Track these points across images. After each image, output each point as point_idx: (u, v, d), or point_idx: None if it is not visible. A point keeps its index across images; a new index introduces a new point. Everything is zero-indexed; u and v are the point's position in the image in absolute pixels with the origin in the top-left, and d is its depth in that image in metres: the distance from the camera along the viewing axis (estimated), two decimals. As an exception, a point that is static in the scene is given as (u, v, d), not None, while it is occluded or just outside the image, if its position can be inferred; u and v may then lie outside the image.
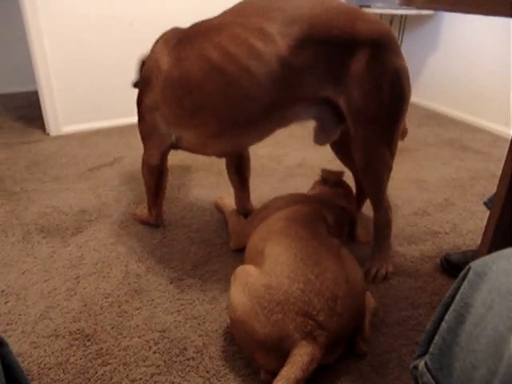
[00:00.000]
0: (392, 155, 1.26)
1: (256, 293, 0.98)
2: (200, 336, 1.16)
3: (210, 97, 1.22)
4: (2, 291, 1.32)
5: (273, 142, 2.51)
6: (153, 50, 1.40)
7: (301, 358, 0.91)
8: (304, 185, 1.98)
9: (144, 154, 1.53)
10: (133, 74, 2.52)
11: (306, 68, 1.14)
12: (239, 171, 1.69)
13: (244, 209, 1.70)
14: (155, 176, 1.55)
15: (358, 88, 1.15)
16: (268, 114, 1.22)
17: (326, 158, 2.30)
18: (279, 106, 1.21)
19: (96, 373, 1.06)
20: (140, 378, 1.04)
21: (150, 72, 1.37)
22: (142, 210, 1.71)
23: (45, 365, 1.08)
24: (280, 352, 0.94)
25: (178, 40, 1.32)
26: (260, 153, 2.38)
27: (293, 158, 2.32)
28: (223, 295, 1.30)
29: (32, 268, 1.43)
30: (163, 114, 1.36)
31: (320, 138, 1.36)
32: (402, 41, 3.07)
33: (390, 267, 1.40)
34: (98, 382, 1.04)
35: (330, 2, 1.15)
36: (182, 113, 1.29)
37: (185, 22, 1.44)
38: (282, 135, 2.64)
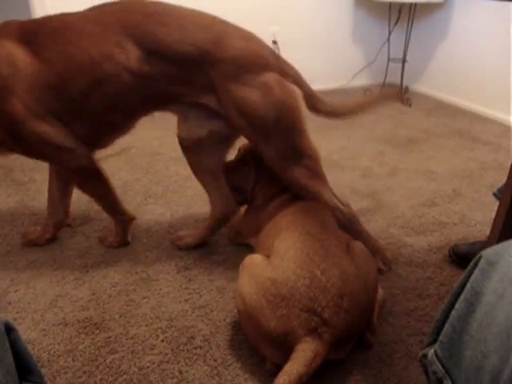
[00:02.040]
0: (302, 163, 1.25)
1: (262, 285, 0.98)
2: (207, 325, 1.16)
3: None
4: (12, 280, 1.33)
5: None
6: None
7: (304, 353, 0.90)
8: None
9: (67, 162, 1.27)
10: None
11: (161, 77, 1.17)
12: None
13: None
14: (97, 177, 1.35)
15: (231, 105, 1.17)
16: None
17: (333, 148, 2.29)
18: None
19: (104, 360, 1.07)
20: (148, 366, 1.05)
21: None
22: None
23: (54, 352, 1.09)
24: (285, 346, 0.94)
25: (27, 35, 1.17)
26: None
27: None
28: (230, 285, 1.30)
29: (40, 257, 1.44)
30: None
31: (182, 129, 1.35)
32: (410, 30, 3.03)
33: (385, 258, 1.38)
34: (107, 369, 1.05)
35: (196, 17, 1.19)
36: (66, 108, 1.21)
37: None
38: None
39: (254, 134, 1.21)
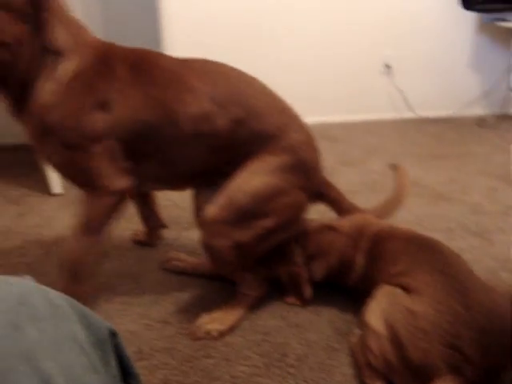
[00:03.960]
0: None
1: (402, 316, 0.99)
2: (301, 344, 1.16)
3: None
4: (119, 274, 1.44)
5: (386, 157, 2.45)
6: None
7: None
8: (417, 205, 1.91)
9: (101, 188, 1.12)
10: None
11: (234, 146, 1.14)
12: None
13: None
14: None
15: None
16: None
17: (442, 179, 2.20)
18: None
19: (199, 363, 1.11)
20: (240, 376, 1.07)
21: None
22: None
23: (155, 347, 1.15)
24: (421, 377, 0.94)
25: (134, 62, 1.11)
26: (373, 167, 2.33)
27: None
28: (327, 307, 1.29)
29: (148, 255, 1.53)
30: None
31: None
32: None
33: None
34: (201, 372, 1.08)
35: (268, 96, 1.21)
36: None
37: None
38: (396, 151, 2.57)
39: None
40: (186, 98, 1.09)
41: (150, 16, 2.75)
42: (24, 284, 0.51)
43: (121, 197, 1.13)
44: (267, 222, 1.13)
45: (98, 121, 1.04)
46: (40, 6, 0.96)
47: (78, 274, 1.15)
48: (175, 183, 1.26)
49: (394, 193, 1.47)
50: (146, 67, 1.10)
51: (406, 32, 3.01)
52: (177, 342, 1.17)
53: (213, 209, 1.11)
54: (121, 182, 1.11)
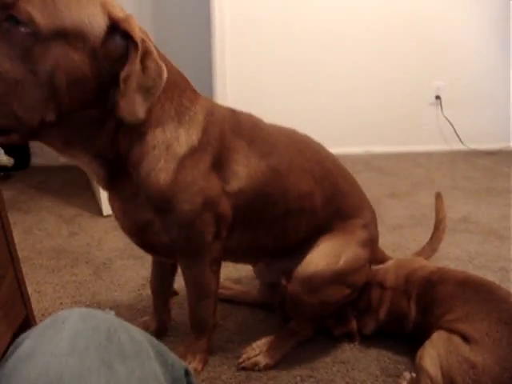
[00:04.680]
0: None
1: (460, 365, 0.95)
2: (347, 383, 1.13)
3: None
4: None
5: (435, 190, 2.38)
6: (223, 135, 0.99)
7: None
8: (467, 242, 1.84)
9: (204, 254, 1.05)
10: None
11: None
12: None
13: None
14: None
15: None
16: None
17: (494, 215, 2.12)
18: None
19: (244, 395, 1.10)
20: (284, 412, 1.05)
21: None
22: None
23: (199, 376, 1.14)
24: None
25: (237, 128, 1.03)
26: (421, 200, 2.29)
27: (456, 210, 2.18)
28: (375, 345, 1.25)
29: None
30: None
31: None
32: None
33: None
34: (244, 404, 1.07)
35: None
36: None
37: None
38: (444, 184, 2.51)
39: None
40: (297, 174, 1.09)
41: (204, 68, 2.83)
42: (109, 319, 0.52)
43: (218, 265, 1.11)
44: (347, 290, 1.17)
45: (218, 192, 0.98)
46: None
47: (203, 330, 1.16)
48: (254, 256, 1.26)
49: (435, 226, 1.48)
50: (258, 136, 1.05)
51: (456, 62, 2.97)
52: (221, 372, 1.16)
53: (312, 267, 1.12)
54: (217, 250, 1.06)
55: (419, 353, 1.05)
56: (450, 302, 1.12)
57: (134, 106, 0.77)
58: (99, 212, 2.10)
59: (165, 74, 0.79)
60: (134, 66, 0.75)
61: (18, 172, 2.69)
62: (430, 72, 2.97)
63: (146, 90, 0.78)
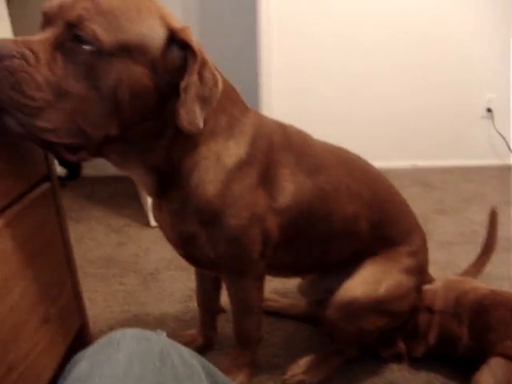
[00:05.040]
0: None
1: None
2: (396, 405, 1.11)
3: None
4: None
5: (486, 206, 2.30)
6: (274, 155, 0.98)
7: None
8: (522, 261, 1.77)
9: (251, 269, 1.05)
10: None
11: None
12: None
13: None
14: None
15: None
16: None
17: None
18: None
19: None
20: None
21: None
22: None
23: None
24: None
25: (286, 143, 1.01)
26: (471, 217, 2.21)
27: (508, 228, 2.10)
28: (424, 366, 1.22)
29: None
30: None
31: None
32: None
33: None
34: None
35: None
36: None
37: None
38: (496, 199, 2.41)
39: None
40: (344, 196, 1.07)
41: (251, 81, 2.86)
42: (161, 341, 0.53)
43: (262, 281, 1.11)
44: (387, 318, 1.13)
45: (265, 208, 0.96)
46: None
47: (248, 345, 1.16)
48: (295, 273, 1.26)
49: (485, 245, 1.42)
50: (306, 152, 1.04)
51: (509, 74, 2.88)
52: (271, 389, 1.16)
53: (349, 293, 1.09)
54: (262, 267, 1.06)
55: (476, 377, 1.01)
56: (505, 328, 1.07)
57: (193, 115, 0.77)
58: (147, 222, 2.14)
59: (220, 84, 0.80)
60: (193, 76, 0.76)
61: (69, 182, 2.80)
62: (481, 84, 2.88)
63: (204, 100, 0.78)
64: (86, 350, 0.52)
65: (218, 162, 0.90)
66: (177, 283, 1.64)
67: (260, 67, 2.75)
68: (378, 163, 1.19)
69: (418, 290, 1.20)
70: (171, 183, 0.90)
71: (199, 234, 0.95)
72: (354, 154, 1.16)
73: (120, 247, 1.94)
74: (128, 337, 0.52)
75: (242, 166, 0.92)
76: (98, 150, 0.78)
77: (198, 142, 0.87)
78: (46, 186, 0.91)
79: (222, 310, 1.40)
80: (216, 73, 0.80)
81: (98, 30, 0.68)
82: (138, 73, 0.73)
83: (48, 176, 0.93)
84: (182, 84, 0.76)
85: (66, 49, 0.69)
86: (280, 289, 1.58)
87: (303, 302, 1.44)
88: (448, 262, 1.76)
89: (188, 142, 0.86)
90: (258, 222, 0.95)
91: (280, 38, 2.72)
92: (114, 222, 2.22)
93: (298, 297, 1.50)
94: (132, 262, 1.81)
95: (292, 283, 1.57)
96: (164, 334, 0.57)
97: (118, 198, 2.56)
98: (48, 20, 0.71)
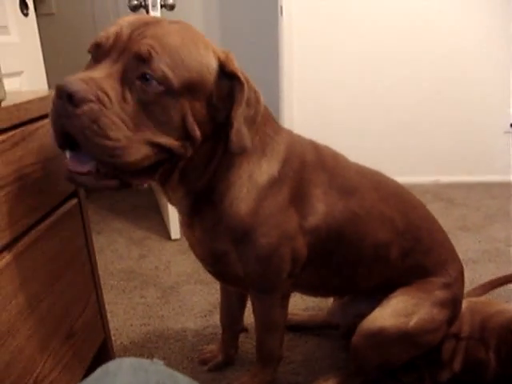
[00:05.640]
0: None
1: None
2: (419, 428, 1.09)
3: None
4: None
5: (510, 223, 2.27)
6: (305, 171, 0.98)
7: None
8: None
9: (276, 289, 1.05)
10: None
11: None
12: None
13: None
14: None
15: None
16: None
17: None
18: None
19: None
20: None
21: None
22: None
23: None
24: None
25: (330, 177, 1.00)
26: (495, 234, 2.18)
27: (533, 246, 2.06)
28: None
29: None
30: None
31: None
32: None
33: None
34: None
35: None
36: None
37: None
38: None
39: None
40: (377, 222, 1.05)
41: (272, 96, 2.89)
42: (158, 372, 0.54)
43: (287, 300, 1.11)
44: (415, 350, 1.11)
45: (295, 227, 0.96)
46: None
47: (269, 362, 1.16)
48: (321, 293, 1.27)
49: None
50: (340, 173, 1.02)
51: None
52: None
53: (378, 323, 1.07)
54: (288, 287, 1.06)
55: None
56: None
57: (243, 138, 0.80)
58: (167, 235, 2.16)
59: (262, 99, 0.83)
60: (243, 105, 0.78)
61: (91, 194, 2.84)
62: (505, 99, 2.84)
63: (250, 120, 0.81)
64: (83, 381, 0.52)
65: (250, 180, 0.90)
66: (197, 297, 1.65)
67: (281, 82, 2.77)
68: (400, 178, 1.17)
69: (451, 322, 1.15)
70: (205, 203, 0.91)
71: (230, 252, 0.96)
72: (390, 179, 1.14)
73: (141, 260, 1.96)
74: (124, 368, 0.52)
75: (274, 184, 0.92)
76: (164, 173, 0.82)
77: (234, 162, 0.89)
78: (73, 201, 0.92)
79: (245, 329, 1.39)
80: (257, 89, 0.82)
81: (167, 69, 0.70)
82: (198, 106, 0.76)
83: (75, 192, 0.94)
84: (233, 114, 0.79)
85: (134, 86, 0.70)
86: (300, 303, 1.58)
87: (323, 312, 1.43)
88: (471, 280, 1.73)
89: (225, 162, 0.88)
90: (288, 240, 0.95)
91: (300, 52, 2.73)
92: (135, 234, 2.24)
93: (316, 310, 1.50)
94: (152, 275, 1.82)
95: (312, 299, 1.56)
96: (161, 363, 0.57)
97: (138, 210, 2.59)
98: (104, 52, 0.72)
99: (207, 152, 0.84)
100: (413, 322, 1.05)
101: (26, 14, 1.61)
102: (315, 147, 1.03)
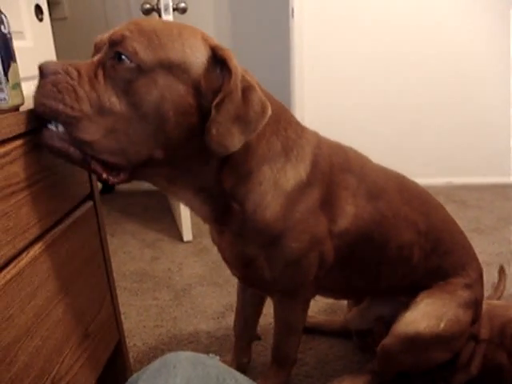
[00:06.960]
0: None
1: None
2: (433, 431, 1.08)
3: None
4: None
5: (523, 226, 2.25)
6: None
7: None
8: None
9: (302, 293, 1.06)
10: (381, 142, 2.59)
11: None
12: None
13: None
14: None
15: None
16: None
17: None
18: None
19: None
20: None
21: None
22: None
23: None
24: None
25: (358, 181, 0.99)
26: (509, 236, 2.15)
27: (549, 249, 2.04)
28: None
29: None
30: None
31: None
32: None
33: None
34: None
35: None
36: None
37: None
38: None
39: None
40: (401, 224, 1.04)
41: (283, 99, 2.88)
42: (216, 366, 0.54)
43: (308, 304, 1.11)
44: (445, 355, 1.11)
45: (325, 231, 0.94)
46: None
47: (285, 365, 1.16)
48: (344, 295, 1.28)
49: None
50: (368, 175, 1.01)
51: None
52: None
53: (412, 327, 1.06)
54: (312, 290, 1.06)
55: None
56: None
57: (227, 136, 0.73)
58: (179, 237, 2.17)
59: (269, 111, 0.77)
60: (231, 95, 0.73)
61: (104, 196, 2.86)
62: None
63: (246, 123, 0.75)
64: (141, 372, 0.53)
65: (275, 187, 0.87)
66: (209, 299, 1.65)
67: (292, 83, 2.77)
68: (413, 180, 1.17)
69: (472, 324, 1.14)
70: (227, 210, 0.88)
71: (258, 257, 0.94)
72: (411, 181, 1.13)
73: (153, 262, 1.97)
74: (183, 360, 0.52)
75: (303, 188, 0.90)
76: (139, 172, 0.77)
77: (250, 168, 0.85)
78: (88, 204, 0.93)
79: (259, 338, 1.39)
80: (265, 99, 0.77)
81: (138, 47, 0.69)
82: (181, 90, 0.72)
83: (90, 194, 0.95)
84: (215, 101, 0.73)
85: (107, 66, 0.71)
86: (312, 305, 1.57)
87: (339, 318, 1.43)
88: (485, 282, 1.70)
89: (239, 168, 0.84)
90: (317, 245, 0.94)
91: (312, 53, 2.74)
92: (148, 236, 2.26)
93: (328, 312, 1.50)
94: (165, 277, 1.83)
95: (327, 301, 1.56)
96: (217, 358, 0.58)
97: (151, 212, 2.61)
98: (97, 50, 0.75)
99: (200, 153, 0.78)
100: (443, 323, 1.05)
101: (40, 19, 1.62)
102: (342, 149, 1.01)
